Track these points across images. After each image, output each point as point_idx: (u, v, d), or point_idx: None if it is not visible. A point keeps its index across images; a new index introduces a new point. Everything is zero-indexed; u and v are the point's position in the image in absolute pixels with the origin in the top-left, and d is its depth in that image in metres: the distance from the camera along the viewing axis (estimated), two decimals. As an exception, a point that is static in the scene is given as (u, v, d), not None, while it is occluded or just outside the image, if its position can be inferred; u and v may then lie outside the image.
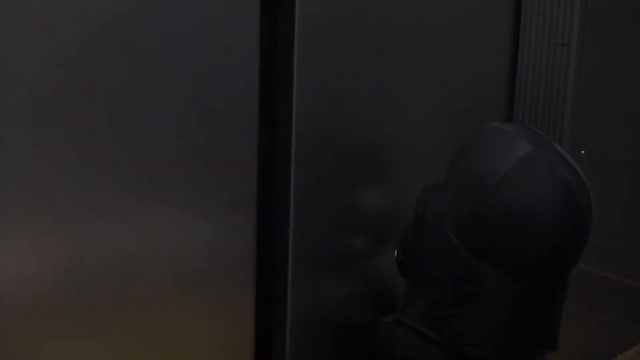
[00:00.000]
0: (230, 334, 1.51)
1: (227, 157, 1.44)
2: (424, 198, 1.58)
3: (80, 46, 1.21)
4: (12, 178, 1.17)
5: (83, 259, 1.26)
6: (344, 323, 1.72)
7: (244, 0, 1.41)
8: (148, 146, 1.32)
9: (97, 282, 1.29)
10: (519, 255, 1.43)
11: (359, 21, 1.61)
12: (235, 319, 1.52)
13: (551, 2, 1.91)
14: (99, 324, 1.31)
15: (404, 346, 1.57)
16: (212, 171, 1.42)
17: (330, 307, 1.68)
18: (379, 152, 1.74)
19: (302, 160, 1.54)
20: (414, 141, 1.78)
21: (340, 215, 1.66)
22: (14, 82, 1.15)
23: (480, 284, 1.45)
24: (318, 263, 1.63)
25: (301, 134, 1.53)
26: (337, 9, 1.55)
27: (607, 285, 2.08)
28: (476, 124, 1.65)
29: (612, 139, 2.07)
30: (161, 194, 1.36)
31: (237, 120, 1.44)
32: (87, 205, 1.25)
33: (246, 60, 1.43)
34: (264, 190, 1.52)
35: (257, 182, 1.49)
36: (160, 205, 1.36)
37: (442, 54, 1.81)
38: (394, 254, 1.65)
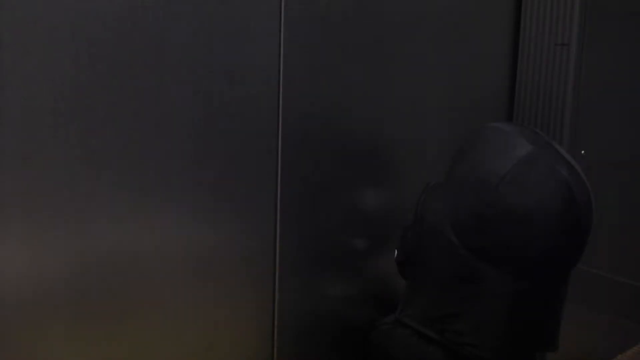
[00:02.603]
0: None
1: (247, 156, 1.46)
2: (424, 198, 1.58)
3: (100, 44, 1.22)
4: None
5: (106, 257, 1.29)
6: (343, 324, 1.72)
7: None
8: (164, 147, 1.34)
9: (117, 279, 1.32)
10: (519, 255, 1.43)
11: (356, 21, 1.61)
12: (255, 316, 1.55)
13: (551, 2, 1.91)
14: (121, 320, 1.34)
15: (404, 346, 1.57)
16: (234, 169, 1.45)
17: (326, 308, 1.68)
18: (377, 153, 1.74)
19: (290, 160, 1.53)
20: (413, 141, 1.78)
21: (339, 215, 1.66)
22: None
23: (481, 284, 1.45)
24: (310, 264, 1.63)
25: (288, 134, 1.52)
26: (329, 6, 1.54)
27: (606, 285, 2.08)
28: (476, 124, 1.65)
29: (612, 139, 2.07)
30: (180, 193, 1.38)
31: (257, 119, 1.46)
32: (108, 205, 1.28)
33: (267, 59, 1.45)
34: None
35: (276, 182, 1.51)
36: (179, 204, 1.38)
37: (442, 54, 1.81)
38: (394, 255, 1.65)
